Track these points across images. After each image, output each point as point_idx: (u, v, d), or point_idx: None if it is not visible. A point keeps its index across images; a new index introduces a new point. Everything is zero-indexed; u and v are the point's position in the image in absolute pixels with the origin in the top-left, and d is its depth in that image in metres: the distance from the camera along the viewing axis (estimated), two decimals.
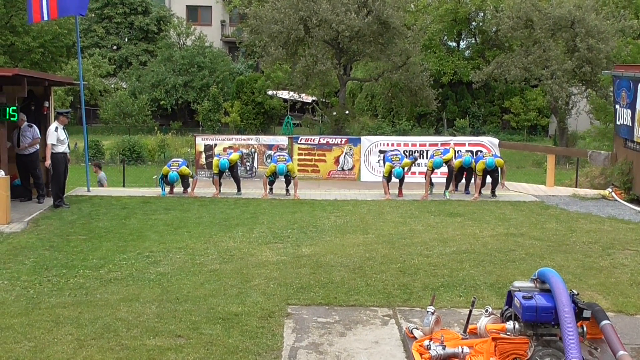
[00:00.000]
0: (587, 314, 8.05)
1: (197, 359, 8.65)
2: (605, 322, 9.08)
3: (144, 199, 19.22)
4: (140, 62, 59.86)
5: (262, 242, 14.36)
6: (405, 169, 20.53)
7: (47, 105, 19.17)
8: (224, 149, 23.82)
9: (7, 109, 16.81)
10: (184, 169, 20.30)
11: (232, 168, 20.76)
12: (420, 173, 22.58)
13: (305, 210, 17.53)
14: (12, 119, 16.99)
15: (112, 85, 57.19)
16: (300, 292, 11.27)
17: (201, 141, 24.58)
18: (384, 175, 20.30)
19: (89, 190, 20.61)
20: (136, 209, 17.73)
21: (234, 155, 20.84)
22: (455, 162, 20.90)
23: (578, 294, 8.55)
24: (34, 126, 18.37)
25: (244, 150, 23.90)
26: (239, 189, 20.59)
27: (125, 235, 14.92)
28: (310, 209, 17.66)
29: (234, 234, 15.05)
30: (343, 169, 24.05)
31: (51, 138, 17.81)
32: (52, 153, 17.88)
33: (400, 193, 20.33)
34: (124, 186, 23.72)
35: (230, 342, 9.21)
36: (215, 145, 24.19)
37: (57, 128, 17.92)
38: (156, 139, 37.18)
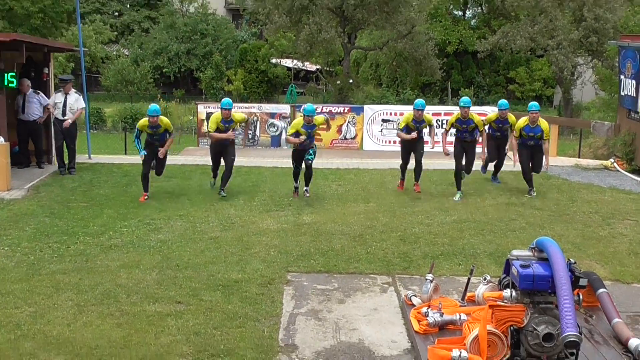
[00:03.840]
0: (583, 282, 8.05)
1: (197, 325, 8.71)
2: (601, 290, 9.16)
3: None
4: (142, 29, 59.48)
5: (263, 210, 14.39)
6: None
7: (46, 71, 19.05)
8: None
9: (6, 75, 16.74)
10: (163, 118, 15.92)
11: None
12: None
13: None
14: (10, 85, 16.92)
15: (114, 53, 56.89)
16: (300, 259, 11.31)
17: (203, 109, 24.55)
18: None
19: (90, 158, 20.61)
20: (137, 177, 17.65)
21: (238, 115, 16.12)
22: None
23: (575, 262, 8.55)
24: (41, 93, 18.27)
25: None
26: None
27: (126, 202, 14.95)
28: (312, 178, 17.65)
29: (235, 201, 15.08)
30: (346, 138, 24.04)
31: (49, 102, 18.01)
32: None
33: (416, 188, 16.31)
34: (125, 154, 23.70)
35: (230, 309, 9.26)
36: None
37: (59, 94, 17.95)
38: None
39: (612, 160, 20.32)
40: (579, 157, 22.54)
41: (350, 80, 44.82)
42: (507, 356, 7.87)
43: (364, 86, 46.67)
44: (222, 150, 15.88)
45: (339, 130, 23.98)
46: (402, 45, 42.55)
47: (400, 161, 16.58)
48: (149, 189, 15.40)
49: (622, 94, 21.43)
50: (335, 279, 10.67)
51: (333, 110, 24.23)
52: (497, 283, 9.40)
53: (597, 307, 9.28)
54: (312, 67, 52.78)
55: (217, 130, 15.53)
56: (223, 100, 15.76)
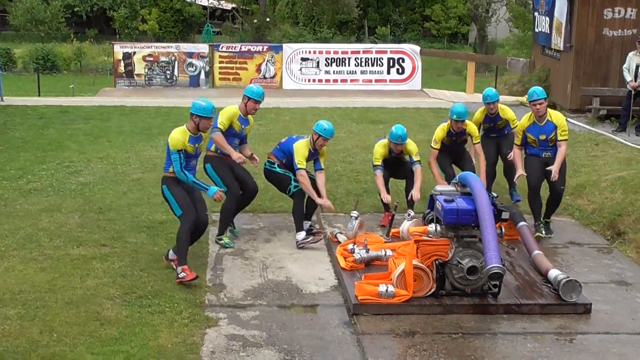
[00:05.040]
0: (505, 215, 8.27)
1: (123, 267, 8.63)
2: (522, 223, 9.41)
3: (62, 109, 18.73)
4: None
5: None
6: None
7: None
8: (143, 58, 23.37)
9: None
10: None
11: None
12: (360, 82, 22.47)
13: None
14: None
15: None
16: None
17: (119, 49, 23.99)
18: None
19: (2, 100, 19.97)
20: (54, 119, 17.31)
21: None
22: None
23: (497, 196, 8.76)
24: None
25: (164, 59, 23.47)
26: None
27: (43, 145, 14.60)
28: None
29: (155, 142, 14.88)
30: (265, 77, 23.86)
31: None
32: None
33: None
34: (39, 95, 23.04)
35: (156, 250, 9.21)
36: (134, 53, 23.65)
37: None
38: (72, 47, 36.01)
39: (527, 96, 20.67)
40: None
41: (267, 19, 44.35)
42: (433, 290, 8.05)
43: (280, 25, 46.20)
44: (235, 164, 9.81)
45: (258, 70, 23.78)
46: None
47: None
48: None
49: (537, 30, 21.79)
50: (260, 218, 10.69)
51: (252, 49, 23.98)
52: (421, 218, 9.57)
53: (518, 240, 9.54)
54: (227, 6, 51.95)
55: (230, 132, 9.75)
56: (254, 87, 10.19)
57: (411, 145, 10.64)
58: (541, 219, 10.18)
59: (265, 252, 9.44)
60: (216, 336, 7.22)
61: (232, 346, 7.04)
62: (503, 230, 8.33)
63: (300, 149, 9.86)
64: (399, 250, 8.60)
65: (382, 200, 10.31)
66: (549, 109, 10.01)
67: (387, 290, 7.85)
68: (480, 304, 8.01)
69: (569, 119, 17.49)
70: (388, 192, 10.25)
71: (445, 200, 8.12)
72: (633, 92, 16.26)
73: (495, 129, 11.65)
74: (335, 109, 19.25)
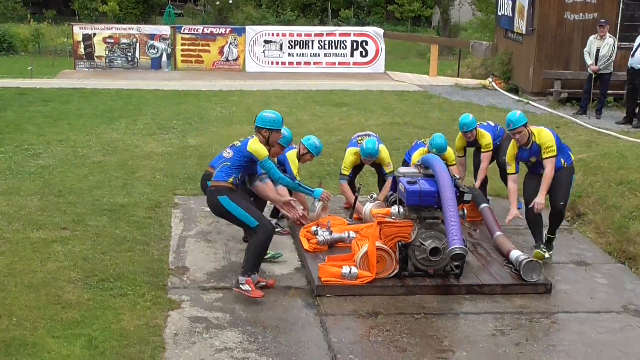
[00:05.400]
0: (467, 197, 8.31)
1: (84, 251, 8.55)
2: (484, 205, 9.48)
3: (19, 90, 18.42)
4: None
5: (146, 134, 14.12)
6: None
7: None
8: (103, 39, 23.10)
9: None
10: None
11: None
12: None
13: (190, 101, 17.26)
14: None
15: None
16: (187, 182, 11.22)
17: (79, 30, 23.65)
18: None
19: None
20: (11, 101, 17.03)
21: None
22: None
23: (459, 178, 8.80)
24: None
25: (125, 41, 23.22)
26: None
27: (1, 127, 14.36)
28: (195, 100, 17.41)
29: (117, 125, 14.73)
30: (228, 60, 23.70)
31: None
32: None
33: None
34: None
35: (118, 233, 9.13)
36: (94, 34, 23.34)
37: None
38: (29, 28, 35.40)
39: (490, 79, 20.81)
40: (458, 77, 22.97)
41: (230, 1, 44.00)
42: (396, 271, 8.09)
43: (243, 7, 45.86)
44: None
45: (221, 52, 23.59)
46: None
47: None
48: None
49: (499, 14, 21.89)
50: None
51: (214, 32, 23.79)
52: (384, 200, 9.59)
53: (480, 221, 9.61)
54: None
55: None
56: (310, 140, 9.93)
57: (384, 153, 10.13)
58: (542, 239, 9.07)
59: (228, 235, 9.40)
60: (179, 318, 7.19)
61: (195, 328, 7.01)
62: (465, 211, 8.37)
63: (294, 160, 9.57)
64: (362, 232, 8.63)
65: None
66: (532, 127, 8.92)
67: (350, 271, 7.87)
68: (442, 285, 8.07)
69: (530, 102, 17.76)
70: (354, 191, 9.97)
71: (408, 182, 8.14)
72: (593, 76, 16.43)
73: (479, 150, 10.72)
74: (298, 91, 19.19)
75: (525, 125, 8.83)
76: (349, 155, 10.18)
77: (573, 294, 8.13)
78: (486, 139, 10.41)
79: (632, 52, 15.81)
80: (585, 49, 16.67)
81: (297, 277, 8.29)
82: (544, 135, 8.82)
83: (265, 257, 8.35)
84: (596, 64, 16.33)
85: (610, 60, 16.36)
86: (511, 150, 9.12)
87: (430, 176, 8.30)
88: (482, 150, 10.46)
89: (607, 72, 16.50)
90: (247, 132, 14.11)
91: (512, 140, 9.02)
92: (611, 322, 7.55)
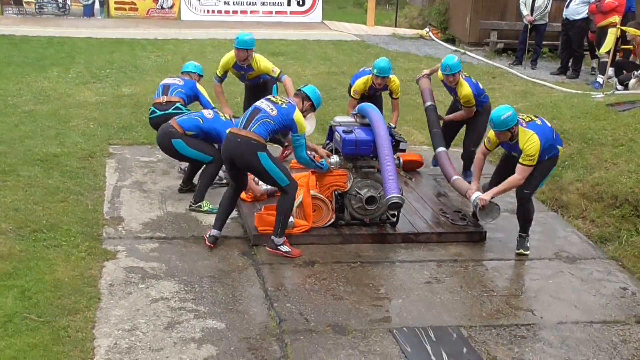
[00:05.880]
0: (404, 145, 8.36)
1: (16, 201, 8.37)
2: (440, 149, 9.33)
3: None
4: None
5: (79, 82, 13.82)
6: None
7: None
8: None
9: None
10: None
11: None
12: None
13: (124, 50, 16.90)
14: None
15: None
16: (121, 132, 11.04)
17: None
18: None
19: None
20: None
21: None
22: None
23: (395, 127, 8.82)
24: None
25: None
26: None
27: None
28: (130, 49, 17.05)
29: (49, 74, 14.35)
30: (162, 7, 23.25)
31: None
32: None
33: None
34: None
35: (51, 183, 8.96)
36: None
37: None
38: None
39: (427, 29, 20.83)
40: (395, 27, 22.91)
41: None
42: (332, 220, 8.12)
43: None
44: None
45: (156, 0, 23.14)
46: None
47: None
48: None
49: None
50: (158, 150, 10.48)
51: None
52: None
53: (416, 171, 9.66)
54: None
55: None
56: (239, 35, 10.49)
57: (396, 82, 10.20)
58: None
59: (164, 185, 9.31)
60: (114, 269, 7.12)
61: (130, 278, 6.96)
62: (401, 160, 8.41)
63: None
64: (299, 181, 8.59)
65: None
66: (520, 129, 7.71)
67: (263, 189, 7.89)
68: (378, 234, 8.14)
69: (467, 52, 17.85)
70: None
71: (344, 131, 8.15)
72: (529, 26, 16.55)
73: (454, 100, 9.89)
74: (235, 40, 18.91)
75: (510, 129, 7.65)
76: (358, 84, 10.10)
77: (507, 242, 8.27)
78: (465, 88, 9.36)
79: (567, 3, 15.95)
80: (521, 0, 16.77)
81: (234, 226, 8.26)
82: (530, 143, 7.59)
83: (203, 209, 8.47)
84: (532, 15, 16.45)
85: (545, 11, 16.50)
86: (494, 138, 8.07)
87: (366, 125, 8.31)
88: (461, 104, 9.55)
89: (543, 23, 16.65)
90: None
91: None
92: (544, 268, 7.73)
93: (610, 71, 14.49)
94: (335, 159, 8.19)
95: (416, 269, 7.56)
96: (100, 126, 11.21)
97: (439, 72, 9.65)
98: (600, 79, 14.69)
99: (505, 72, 16.07)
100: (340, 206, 8.13)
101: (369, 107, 8.50)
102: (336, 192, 8.09)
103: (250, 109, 7.65)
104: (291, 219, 7.85)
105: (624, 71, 14.14)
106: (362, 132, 8.17)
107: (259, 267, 7.36)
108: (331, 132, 8.66)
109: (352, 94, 10.15)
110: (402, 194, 7.67)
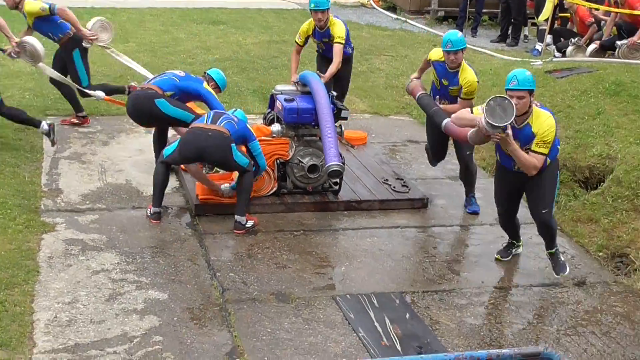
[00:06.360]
0: (345, 114, 8.35)
1: None
2: (446, 120, 7.53)
3: None
4: None
5: None
6: None
7: None
8: None
9: None
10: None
11: None
12: None
13: None
14: None
15: None
16: (58, 102, 10.81)
17: None
18: None
19: None
20: None
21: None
22: None
23: (336, 95, 8.80)
24: None
25: None
26: None
27: None
28: None
29: None
30: None
31: None
32: None
33: None
34: None
35: None
36: None
37: None
38: None
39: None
40: None
41: None
42: (275, 189, 8.10)
43: None
44: None
45: None
46: None
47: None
48: None
49: None
50: (97, 121, 10.35)
51: None
52: (262, 118, 9.52)
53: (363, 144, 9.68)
54: None
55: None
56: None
57: (339, 26, 9.59)
58: (518, 239, 7.40)
59: (103, 156, 9.17)
60: (53, 241, 7.00)
61: (70, 250, 6.85)
62: (342, 128, 8.40)
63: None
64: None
65: None
66: (535, 108, 6.41)
67: (228, 189, 7.81)
68: (321, 202, 8.14)
69: (408, 20, 17.87)
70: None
71: (286, 100, 8.10)
72: None
73: (444, 91, 8.01)
74: (174, 9, 18.62)
75: (530, 90, 6.33)
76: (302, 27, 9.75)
77: (449, 208, 8.35)
78: (469, 73, 7.75)
79: None
80: None
81: (175, 197, 8.18)
82: (546, 125, 6.32)
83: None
84: None
85: None
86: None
87: (308, 94, 8.27)
88: (462, 93, 7.78)
89: None
90: (121, 50, 13.62)
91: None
92: (484, 233, 7.83)
93: (549, 38, 14.66)
94: (277, 127, 8.16)
95: (359, 236, 7.58)
96: (37, 97, 10.98)
97: (431, 56, 7.98)
98: (539, 46, 14.85)
99: None
100: (283, 175, 8.11)
101: (311, 75, 8.46)
102: (278, 161, 8.06)
103: (212, 112, 7.66)
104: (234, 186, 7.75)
105: (561, 39, 14.33)
106: (304, 101, 8.13)
107: (202, 237, 7.31)
108: (272, 100, 8.60)
109: (296, 39, 9.85)
110: (343, 162, 7.66)
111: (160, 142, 8.58)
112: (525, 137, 6.35)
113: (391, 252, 7.27)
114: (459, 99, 7.79)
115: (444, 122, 7.42)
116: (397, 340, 5.84)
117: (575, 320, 6.29)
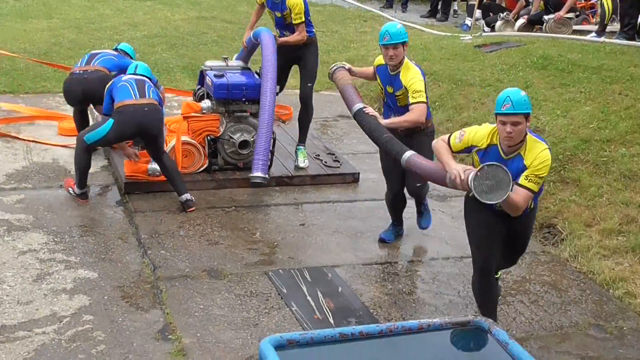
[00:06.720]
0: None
1: None
2: (408, 153, 6.02)
3: None
4: None
5: None
6: None
7: None
8: None
9: None
10: None
11: None
12: None
13: None
14: None
15: None
16: None
17: None
18: None
19: None
20: None
21: None
22: None
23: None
24: None
25: None
26: None
27: None
28: None
29: None
30: None
31: None
32: None
33: None
34: None
35: None
36: None
37: None
38: None
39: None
40: None
41: None
42: (205, 165, 8.02)
43: None
44: None
45: None
46: None
47: None
48: None
49: None
50: (22, 99, 10.09)
51: None
52: (193, 95, 9.41)
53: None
54: None
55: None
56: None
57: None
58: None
59: (28, 134, 8.95)
60: None
61: None
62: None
63: None
64: (170, 127, 8.43)
65: None
66: (529, 137, 5.18)
67: (157, 167, 7.70)
68: None
69: None
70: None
71: (216, 76, 8.02)
72: None
73: (393, 101, 6.73)
74: None
75: (522, 114, 5.01)
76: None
77: (380, 183, 8.33)
78: (413, 73, 6.52)
79: None
80: None
81: (104, 175, 8.05)
82: (541, 157, 5.10)
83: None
84: None
85: None
86: (481, 139, 5.32)
87: (238, 69, 8.21)
88: (411, 98, 6.45)
89: None
90: (45, 26, 13.38)
91: (489, 129, 5.30)
92: (415, 207, 7.85)
93: (478, 13, 14.80)
94: (207, 103, 8.08)
95: (291, 211, 7.57)
96: None
97: (375, 62, 6.81)
98: (468, 21, 14.99)
99: (376, 15, 16.17)
100: (213, 151, 8.04)
101: (266, 30, 8.08)
102: (209, 137, 7.98)
103: (132, 81, 7.34)
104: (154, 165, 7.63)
105: (490, 13, 14.49)
106: (234, 76, 8.06)
107: (132, 215, 7.20)
108: (202, 76, 8.50)
109: None
110: (268, 172, 7.53)
111: (83, 121, 8.43)
112: (514, 171, 5.02)
113: (323, 227, 7.28)
114: (409, 107, 6.44)
115: (406, 156, 5.77)
116: (330, 314, 5.85)
117: (505, 289, 6.38)
